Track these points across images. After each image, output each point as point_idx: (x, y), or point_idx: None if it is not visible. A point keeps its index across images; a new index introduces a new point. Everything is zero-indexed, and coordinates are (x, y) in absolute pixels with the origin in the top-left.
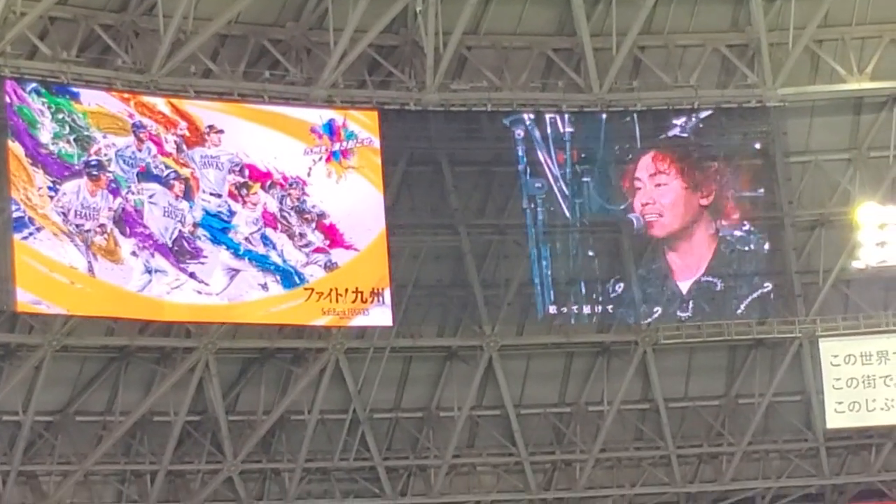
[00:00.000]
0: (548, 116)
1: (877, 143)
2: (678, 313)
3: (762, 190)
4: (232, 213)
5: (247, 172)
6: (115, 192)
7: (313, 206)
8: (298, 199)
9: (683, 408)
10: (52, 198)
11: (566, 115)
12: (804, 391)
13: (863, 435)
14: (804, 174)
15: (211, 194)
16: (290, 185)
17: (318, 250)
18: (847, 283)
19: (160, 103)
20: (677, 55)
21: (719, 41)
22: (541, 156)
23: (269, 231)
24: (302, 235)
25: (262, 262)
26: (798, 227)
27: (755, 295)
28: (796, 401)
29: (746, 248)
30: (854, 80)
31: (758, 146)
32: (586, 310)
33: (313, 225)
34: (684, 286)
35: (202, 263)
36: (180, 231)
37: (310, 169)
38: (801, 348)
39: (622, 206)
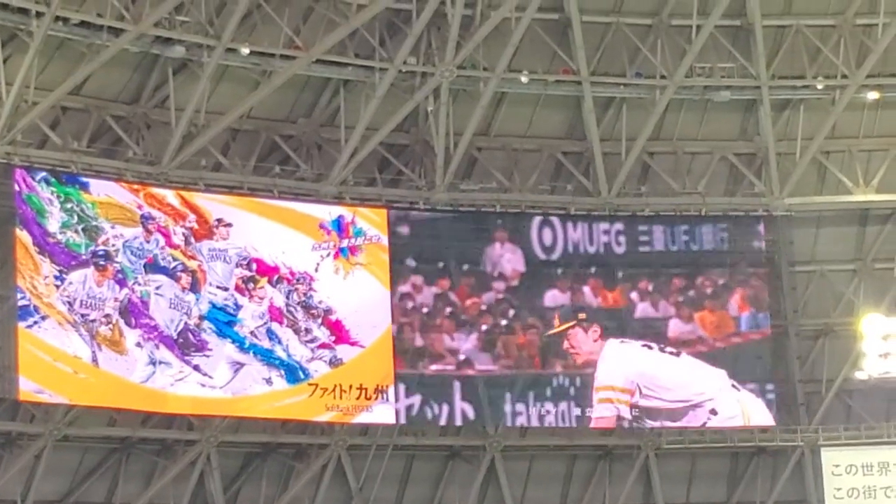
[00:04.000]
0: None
1: (882, 254)
2: None
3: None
4: (238, 307)
5: (254, 266)
6: (121, 283)
7: (320, 302)
8: (305, 294)
9: None
10: (58, 287)
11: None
12: (805, 500)
13: None
14: (809, 283)
15: (218, 287)
16: (298, 280)
17: (323, 346)
18: (850, 393)
19: (169, 195)
20: (686, 162)
21: (728, 149)
22: None
23: (274, 325)
24: (308, 331)
25: (266, 357)
26: (802, 335)
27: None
28: None
29: None
30: (860, 191)
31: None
32: None
33: (319, 320)
34: None
35: (207, 356)
36: (186, 323)
37: (317, 265)
38: (803, 457)
39: None
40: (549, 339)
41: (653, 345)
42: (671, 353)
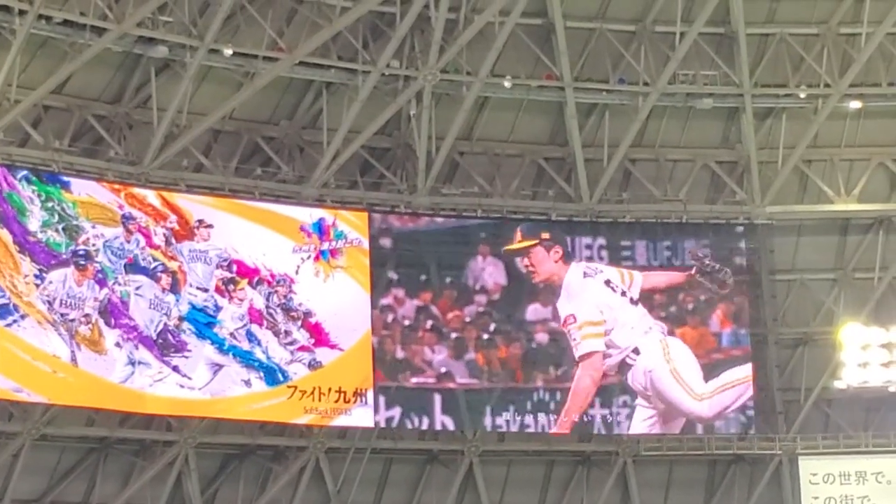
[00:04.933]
0: None
1: (862, 264)
2: None
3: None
4: (218, 308)
5: (234, 268)
6: (101, 283)
7: (300, 305)
8: (285, 296)
9: None
10: (38, 286)
11: None
12: None
13: None
14: (789, 292)
15: (198, 288)
16: (278, 282)
17: (302, 348)
18: (828, 402)
19: (150, 195)
20: (667, 169)
21: (709, 157)
22: None
23: (254, 327)
24: (287, 333)
25: (246, 359)
26: (781, 344)
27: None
28: None
29: None
30: (841, 201)
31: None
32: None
33: (299, 323)
34: None
35: (186, 357)
36: (165, 324)
37: (298, 267)
38: (781, 465)
39: None
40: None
41: (617, 287)
42: (632, 299)
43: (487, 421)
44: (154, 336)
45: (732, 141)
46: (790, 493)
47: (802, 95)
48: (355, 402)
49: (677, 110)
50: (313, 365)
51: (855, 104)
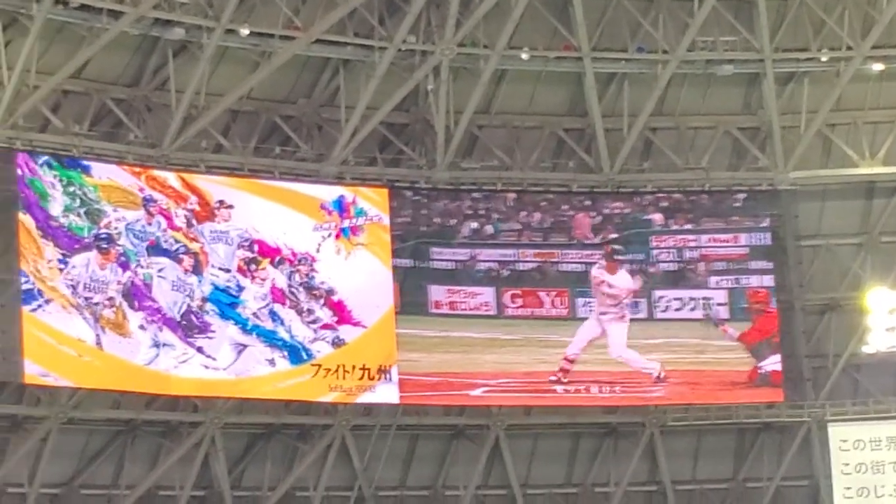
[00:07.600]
0: None
1: (888, 228)
2: None
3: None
4: (240, 289)
5: (256, 248)
6: (124, 266)
7: (322, 283)
8: (307, 275)
9: (691, 490)
10: (61, 270)
11: None
12: (812, 476)
13: None
14: (815, 258)
15: (220, 269)
16: (299, 261)
17: (325, 326)
18: (857, 367)
19: (171, 178)
20: (689, 137)
21: (731, 124)
22: None
23: (277, 307)
24: (310, 311)
25: (269, 338)
26: (808, 310)
27: None
28: (804, 485)
29: None
30: (866, 164)
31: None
32: None
33: (321, 301)
34: None
35: (210, 338)
36: (189, 305)
37: (319, 245)
38: (810, 433)
39: None
40: None
41: None
42: None
43: None
44: (178, 318)
45: (754, 107)
46: (820, 460)
47: (824, 59)
48: (379, 378)
49: (697, 77)
50: (337, 343)
51: (877, 66)
